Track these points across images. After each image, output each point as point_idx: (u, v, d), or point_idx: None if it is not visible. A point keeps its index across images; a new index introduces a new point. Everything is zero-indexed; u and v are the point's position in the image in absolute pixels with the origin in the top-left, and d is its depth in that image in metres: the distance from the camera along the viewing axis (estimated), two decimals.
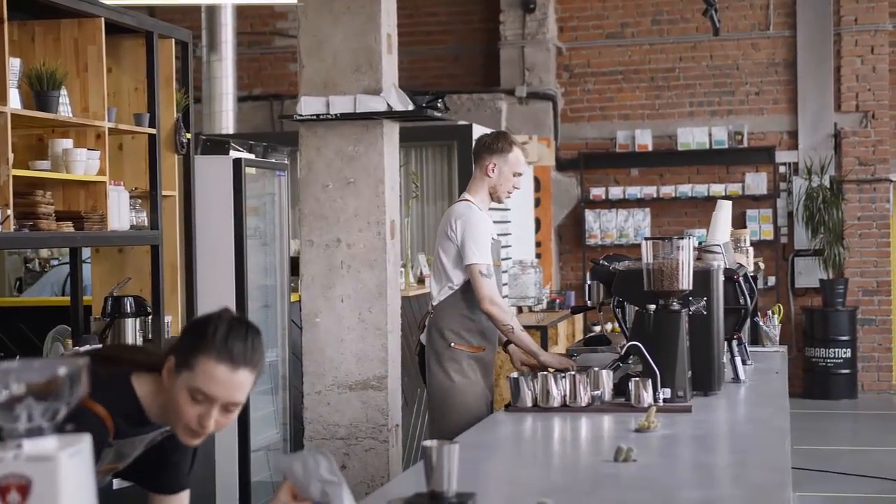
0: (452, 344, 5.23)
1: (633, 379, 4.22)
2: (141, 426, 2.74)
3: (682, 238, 4.42)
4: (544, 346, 8.91)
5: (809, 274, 12.63)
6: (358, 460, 5.52)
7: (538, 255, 12.23)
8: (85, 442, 1.78)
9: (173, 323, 5.96)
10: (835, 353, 12.26)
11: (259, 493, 6.67)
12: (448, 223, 5.25)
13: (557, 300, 11.05)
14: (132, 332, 5.53)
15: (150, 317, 5.72)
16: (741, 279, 5.03)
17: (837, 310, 12.32)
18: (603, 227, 12.99)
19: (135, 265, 5.82)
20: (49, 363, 1.76)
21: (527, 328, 9.11)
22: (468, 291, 5.17)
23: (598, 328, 10.17)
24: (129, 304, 5.56)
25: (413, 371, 7.59)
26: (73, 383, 1.76)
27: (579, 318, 10.96)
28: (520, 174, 5.40)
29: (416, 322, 7.93)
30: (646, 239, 4.46)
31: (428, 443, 2.71)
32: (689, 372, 4.36)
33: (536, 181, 12.39)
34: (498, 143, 5.36)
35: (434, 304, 5.34)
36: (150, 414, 2.72)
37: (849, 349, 12.29)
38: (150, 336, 5.73)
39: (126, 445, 2.76)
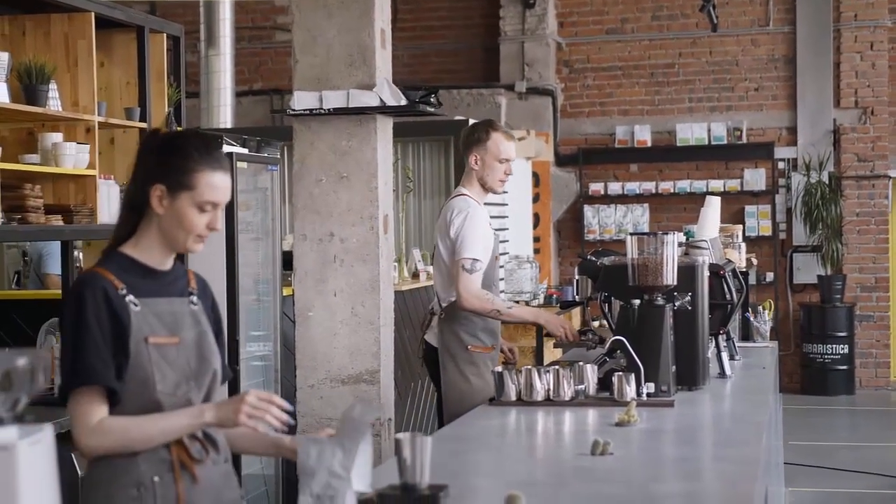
0: (469, 346, 5.21)
1: (616, 373, 4.24)
2: (151, 278, 2.89)
3: (667, 234, 4.43)
4: (539, 341, 8.85)
5: (808, 270, 12.64)
6: None
7: (537, 251, 12.25)
8: (46, 432, 1.80)
9: None
10: (832, 349, 12.27)
11: (249, 485, 6.69)
12: (447, 220, 5.23)
13: (555, 295, 11.06)
14: None
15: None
16: (728, 274, 5.04)
17: (835, 306, 12.32)
18: (602, 222, 13.01)
19: None
20: (8, 355, 1.78)
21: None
22: None
23: (596, 323, 10.17)
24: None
25: (406, 366, 7.60)
26: (32, 374, 1.78)
27: (577, 312, 10.96)
28: (506, 160, 5.31)
29: (409, 316, 7.95)
30: (631, 234, 4.47)
31: (400, 435, 2.74)
32: (674, 367, 4.37)
33: (535, 176, 12.41)
34: (474, 133, 5.33)
35: (444, 304, 5.27)
36: (150, 262, 2.90)
37: (846, 345, 12.30)
38: None
39: (156, 307, 2.87)
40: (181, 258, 3.29)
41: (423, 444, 2.72)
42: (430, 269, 8.05)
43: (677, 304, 4.49)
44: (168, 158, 2.87)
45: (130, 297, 2.83)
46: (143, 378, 2.81)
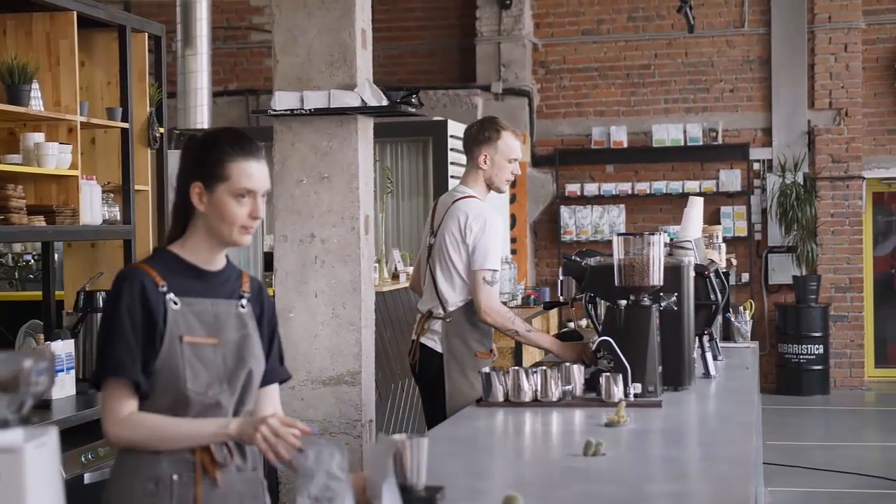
0: (477, 353, 5.06)
1: (603, 374, 4.24)
2: (197, 278, 2.93)
3: (654, 234, 4.44)
4: (518, 343, 8.81)
5: (783, 270, 12.71)
6: None
7: (513, 252, 12.26)
8: (51, 435, 1.79)
9: None
10: (807, 349, 12.34)
11: None
12: (462, 224, 5.02)
13: (532, 296, 11.07)
14: None
15: None
16: (712, 275, 5.05)
17: (810, 306, 12.39)
18: (578, 223, 13.03)
19: (107, 260, 5.81)
20: (14, 356, 1.77)
21: None
22: None
23: (571, 324, 10.19)
24: (101, 299, 5.53)
25: (387, 367, 7.58)
26: (38, 376, 1.77)
27: (554, 313, 10.99)
28: (514, 159, 5.11)
29: (390, 317, 7.93)
30: (617, 234, 4.47)
31: (397, 437, 2.73)
32: (660, 367, 4.38)
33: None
34: (484, 132, 5.11)
35: (449, 308, 5.05)
36: (198, 261, 2.93)
37: (821, 345, 12.38)
38: None
39: (198, 307, 2.90)
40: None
41: (420, 446, 2.72)
42: (410, 269, 8.04)
43: (663, 304, 4.49)
44: (202, 156, 2.93)
45: (171, 295, 2.86)
46: (174, 375, 2.83)
